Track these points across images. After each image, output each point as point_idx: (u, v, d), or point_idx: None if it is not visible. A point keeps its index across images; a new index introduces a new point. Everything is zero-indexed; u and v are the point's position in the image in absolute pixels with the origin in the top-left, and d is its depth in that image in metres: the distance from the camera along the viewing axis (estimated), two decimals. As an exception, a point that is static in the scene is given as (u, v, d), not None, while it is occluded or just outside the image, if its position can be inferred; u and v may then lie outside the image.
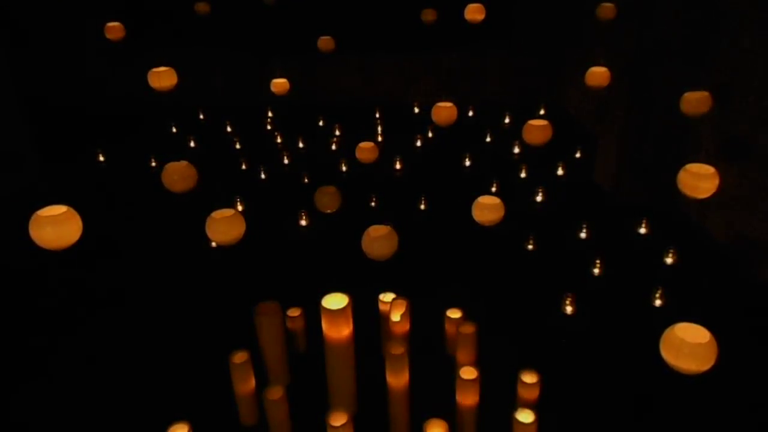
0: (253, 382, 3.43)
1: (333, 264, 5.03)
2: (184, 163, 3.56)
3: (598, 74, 4.98)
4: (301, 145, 7.78)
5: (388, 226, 3.11)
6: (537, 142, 4.09)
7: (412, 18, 6.44)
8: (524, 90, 9.52)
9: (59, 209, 2.71)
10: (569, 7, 8.31)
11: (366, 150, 5.07)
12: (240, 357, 3.35)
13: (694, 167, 3.51)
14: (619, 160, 6.11)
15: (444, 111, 4.44)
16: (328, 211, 4.27)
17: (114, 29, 5.46)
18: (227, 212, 3.15)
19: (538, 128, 4.09)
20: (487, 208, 3.69)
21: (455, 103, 4.47)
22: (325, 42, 6.18)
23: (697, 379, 2.40)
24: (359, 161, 5.16)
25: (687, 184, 3.51)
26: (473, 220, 3.76)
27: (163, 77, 4.60)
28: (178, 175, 3.52)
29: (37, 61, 9.26)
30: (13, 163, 6.53)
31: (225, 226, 3.09)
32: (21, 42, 8.91)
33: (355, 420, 2.98)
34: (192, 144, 7.67)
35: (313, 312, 3.43)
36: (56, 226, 2.67)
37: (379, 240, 3.06)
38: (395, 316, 3.57)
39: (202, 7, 6.29)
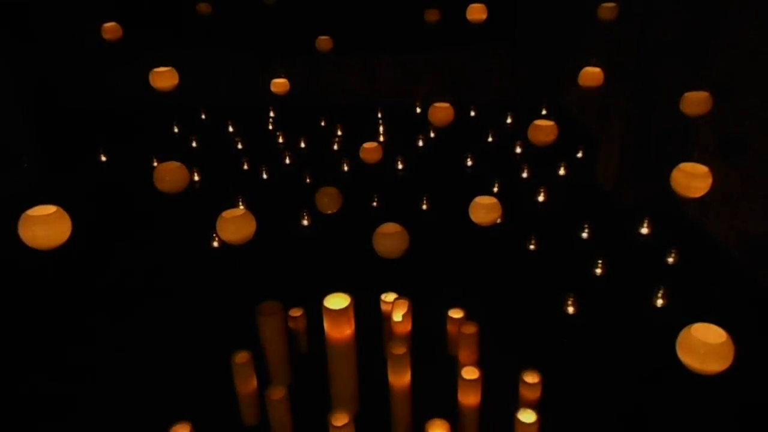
0: (254, 382, 3.43)
1: (335, 264, 5.04)
2: (176, 163, 3.55)
3: (591, 74, 4.96)
4: (303, 145, 7.78)
5: (399, 225, 3.11)
6: (542, 142, 4.09)
7: (415, 18, 6.44)
8: (526, 90, 9.51)
9: (49, 209, 2.69)
10: (571, 8, 8.30)
11: (370, 150, 5.07)
12: (242, 357, 3.36)
13: (687, 166, 3.50)
14: (620, 160, 6.10)
15: (440, 111, 4.43)
16: (329, 211, 4.27)
17: (111, 29, 5.43)
18: (238, 211, 3.14)
19: (543, 128, 4.09)
20: (484, 208, 3.68)
21: (456, 103, 4.47)
22: (323, 42, 6.16)
23: (701, 378, 2.38)
24: (363, 161, 5.16)
25: (680, 183, 3.51)
26: (472, 220, 3.76)
27: (164, 77, 4.62)
28: (170, 175, 3.50)
29: (38, 61, 9.26)
30: (13, 163, 6.53)
31: (236, 225, 3.08)
32: (21, 41, 8.92)
33: (357, 420, 2.99)
34: (194, 144, 7.68)
35: (315, 312, 3.44)
36: (46, 225, 2.65)
37: (389, 237, 3.06)
38: (397, 316, 3.57)
39: (203, 8, 6.29)
